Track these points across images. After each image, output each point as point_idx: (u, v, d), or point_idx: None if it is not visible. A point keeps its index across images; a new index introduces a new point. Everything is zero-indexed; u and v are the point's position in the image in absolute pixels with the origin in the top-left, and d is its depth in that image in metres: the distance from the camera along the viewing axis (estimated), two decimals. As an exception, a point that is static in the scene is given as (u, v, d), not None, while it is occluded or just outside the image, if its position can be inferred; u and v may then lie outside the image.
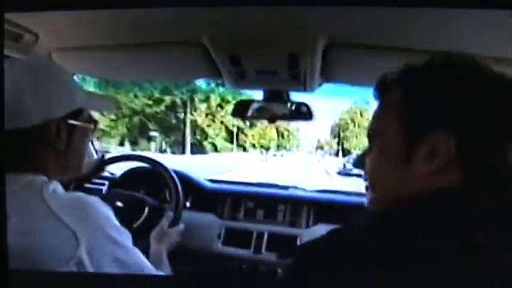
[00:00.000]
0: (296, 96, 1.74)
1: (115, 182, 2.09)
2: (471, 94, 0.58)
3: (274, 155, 41.16)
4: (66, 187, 0.86)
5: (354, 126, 40.35)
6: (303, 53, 1.30)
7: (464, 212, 0.54)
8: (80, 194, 0.86)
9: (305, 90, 1.65)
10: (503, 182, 0.57)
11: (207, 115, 31.28)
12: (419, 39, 1.15)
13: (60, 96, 0.84)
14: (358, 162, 0.74)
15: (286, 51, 1.30)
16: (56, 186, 0.82)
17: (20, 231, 0.71)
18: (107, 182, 2.06)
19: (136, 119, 28.38)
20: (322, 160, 36.47)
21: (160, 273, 0.93)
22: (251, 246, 1.94)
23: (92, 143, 2.08)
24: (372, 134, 0.71)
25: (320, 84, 1.65)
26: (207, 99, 30.83)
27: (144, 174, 1.99)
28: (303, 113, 1.73)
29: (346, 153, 39.25)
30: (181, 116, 30.05)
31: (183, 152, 29.22)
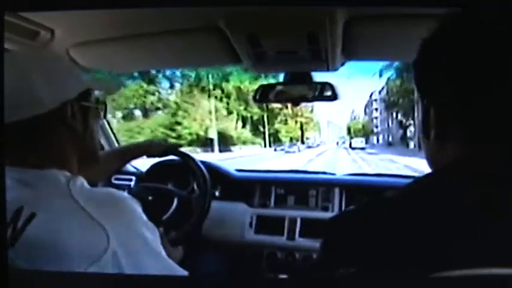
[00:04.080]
0: (320, 77, 1.70)
1: (142, 177, 2.09)
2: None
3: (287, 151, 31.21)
4: (93, 185, 0.85)
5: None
6: (322, 30, 1.26)
7: (465, 187, 0.54)
8: (110, 189, 0.86)
9: (328, 69, 1.61)
10: (501, 151, 0.55)
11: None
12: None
13: (68, 78, 0.84)
14: None
15: (304, 29, 1.27)
16: (82, 181, 0.81)
17: (49, 229, 0.70)
18: (133, 178, 2.08)
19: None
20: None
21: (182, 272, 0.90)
22: (284, 233, 1.92)
23: (115, 135, 2.11)
24: None
25: (343, 63, 1.62)
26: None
27: (171, 167, 1.99)
28: (327, 93, 1.68)
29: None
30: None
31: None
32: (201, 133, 24.12)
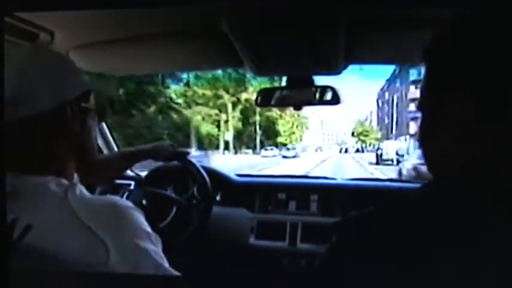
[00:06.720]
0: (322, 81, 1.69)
1: (141, 182, 2.06)
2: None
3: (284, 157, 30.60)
4: (92, 189, 0.81)
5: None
6: (324, 35, 1.25)
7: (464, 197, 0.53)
8: (112, 199, 0.81)
9: (330, 73, 1.60)
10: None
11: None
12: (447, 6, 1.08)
13: (69, 78, 0.80)
14: None
15: (306, 33, 1.25)
16: (81, 189, 0.77)
17: (45, 242, 0.66)
18: (132, 182, 2.05)
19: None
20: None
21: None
22: (286, 238, 1.90)
23: (114, 138, 2.09)
24: None
25: (345, 67, 1.60)
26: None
27: (171, 172, 1.98)
28: (329, 97, 1.66)
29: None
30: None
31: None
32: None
